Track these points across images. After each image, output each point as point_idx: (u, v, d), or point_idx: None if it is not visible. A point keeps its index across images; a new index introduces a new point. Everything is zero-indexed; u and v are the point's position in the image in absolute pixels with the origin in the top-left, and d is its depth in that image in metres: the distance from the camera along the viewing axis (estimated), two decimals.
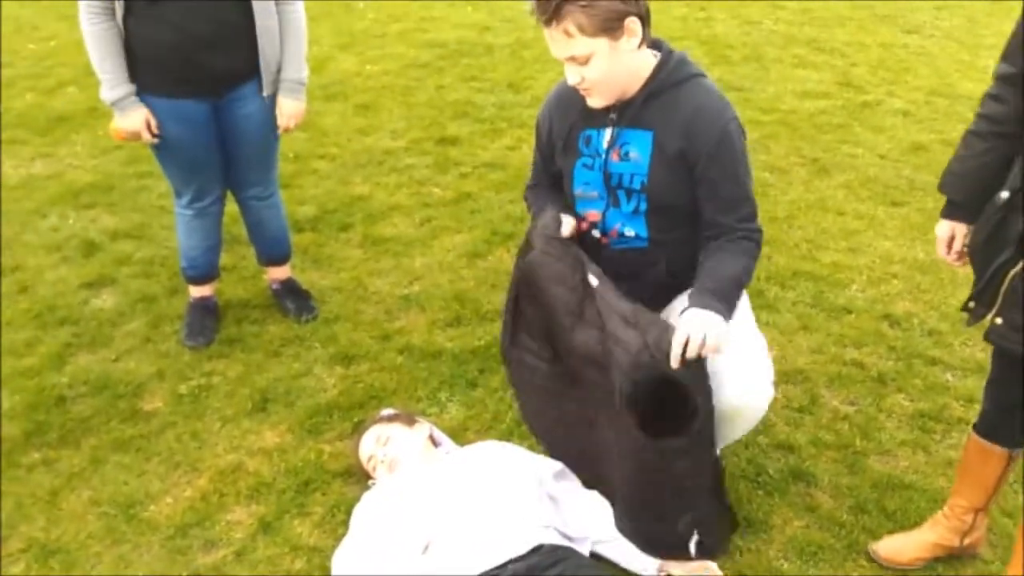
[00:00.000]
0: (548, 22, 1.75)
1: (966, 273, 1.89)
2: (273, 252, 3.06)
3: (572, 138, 2.00)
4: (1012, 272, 1.65)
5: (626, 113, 1.90)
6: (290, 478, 2.32)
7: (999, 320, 1.71)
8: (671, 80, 1.87)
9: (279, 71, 2.64)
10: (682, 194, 1.92)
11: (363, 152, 4.34)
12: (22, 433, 2.51)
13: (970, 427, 1.98)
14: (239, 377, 2.74)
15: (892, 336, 2.82)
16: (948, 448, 2.35)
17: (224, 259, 3.31)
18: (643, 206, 1.95)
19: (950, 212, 1.86)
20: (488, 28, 6.40)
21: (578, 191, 2.03)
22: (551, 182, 2.15)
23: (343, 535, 2.07)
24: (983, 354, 2.57)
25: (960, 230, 1.84)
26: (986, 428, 1.95)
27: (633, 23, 1.77)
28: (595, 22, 1.73)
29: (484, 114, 4.67)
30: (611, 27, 1.75)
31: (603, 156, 1.95)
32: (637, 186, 1.93)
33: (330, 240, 3.54)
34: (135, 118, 2.55)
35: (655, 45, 1.91)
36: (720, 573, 1.95)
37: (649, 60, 1.88)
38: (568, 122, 1.99)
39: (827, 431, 2.39)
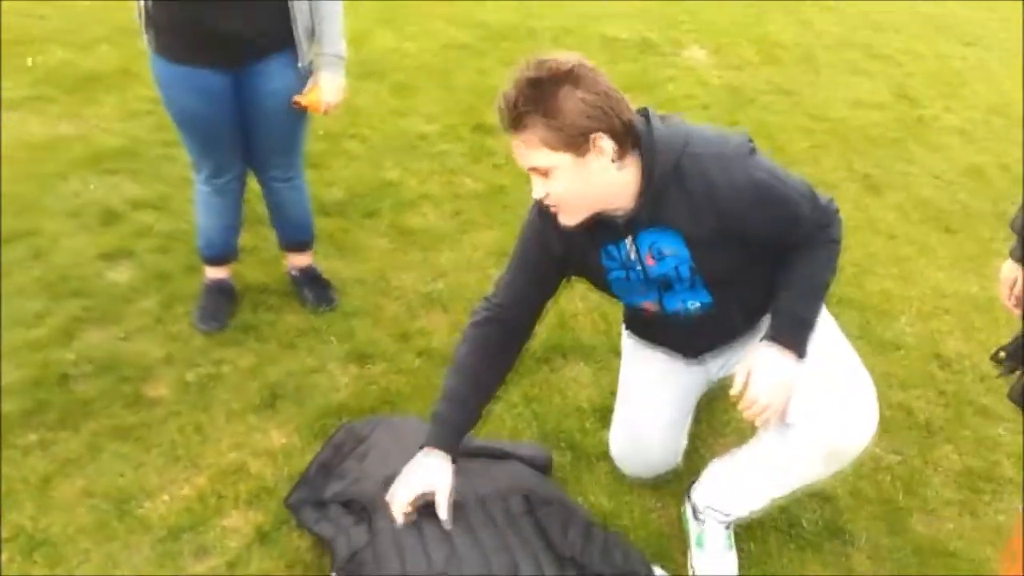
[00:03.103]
0: (509, 132, 1.62)
1: None
2: (294, 238, 2.93)
3: (593, 254, 1.81)
4: None
5: (637, 220, 1.71)
6: (293, 485, 2.19)
7: None
8: (666, 173, 1.64)
9: (315, 44, 2.50)
10: (738, 258, 1.75)
11: (396, 135, 4.20)
12: (21, 411, 2.41)
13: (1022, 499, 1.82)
14: (250, 368, 2.62)
15: (942, 378, 2.65)
16: (997, 513, 2.18)
17: (245, 239, 3.19)
18: (699, 282, 1.80)
19: (1018, 254, 1.70)
20: (532, 11, 6.22)
21: (620, 293, 1.90)
22: (519, 316, 1.91)
23: None
24: None
25: None
26: None
27: (602, 140, 1.58)
28: (558, 137, 1.57)
29: None
30: (576, 143, 1.58)
31: (638, 267, 1.78)
32: (687, 273, 1.77)
33: (356, 227, 3.40)
34: None
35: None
36: None
37: (631, 171, 1.65)
38: (583, 237, 1.77)
39: (868, 482, 2.23)
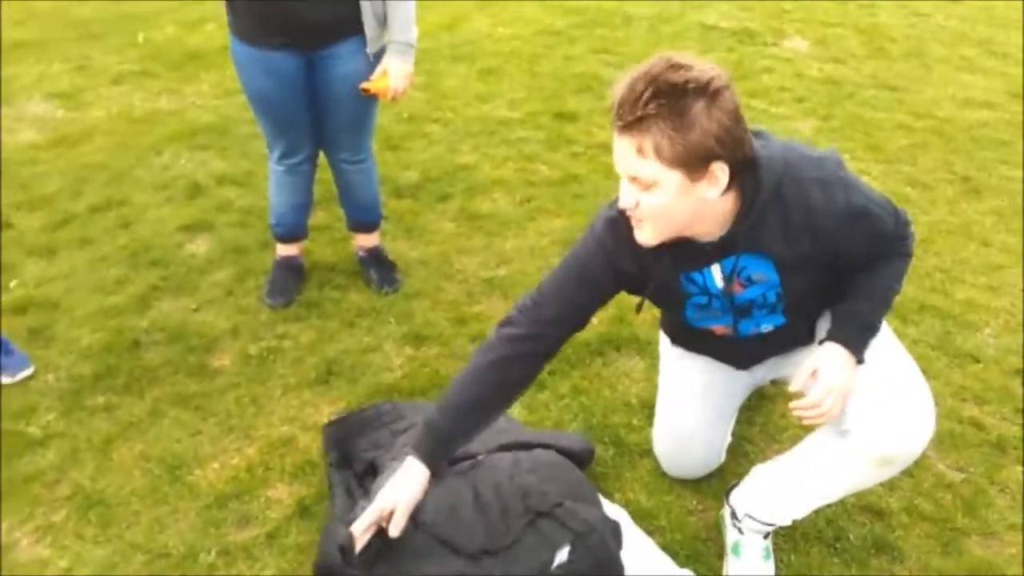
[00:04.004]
0: (623, 130, 1.44)
1: None
2: (361, 219, 2.97)
3: (673, 278, 1.70)
4: None
5: (730, 247, 1.62)
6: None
7: None
8: (767, 200, 1.55)
9: (386, 31, 2.52)
10: (820, 279, 1.70)
11: (477, 119, 4.20)
12: (92, 374, 2.53)
13: None
14: (310, 344, 2.67)
15: (1021, 396, 2.48)
16: None
17: (319, 218, 3.27)
18: (780, 306, 1.74)
19: None
20: None
21: (694, 317, 1.81)
22: (558, 336, 1.75)
23: None
24: None
25: None
26: None
27: (720, 170, 1.45)
28: (678, 153, 1.41)
29: (609, 91, 4.45)
30: (693, 165, 1.43)
31: (724, 295, 1.70)
32: (773, 298, 1.71)
33: (426, 210, 3.43)
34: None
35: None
36: None
37: (729, 199, 1.54)
38: (665, 264, 1.65)
39: (926, 499, 2.10)
